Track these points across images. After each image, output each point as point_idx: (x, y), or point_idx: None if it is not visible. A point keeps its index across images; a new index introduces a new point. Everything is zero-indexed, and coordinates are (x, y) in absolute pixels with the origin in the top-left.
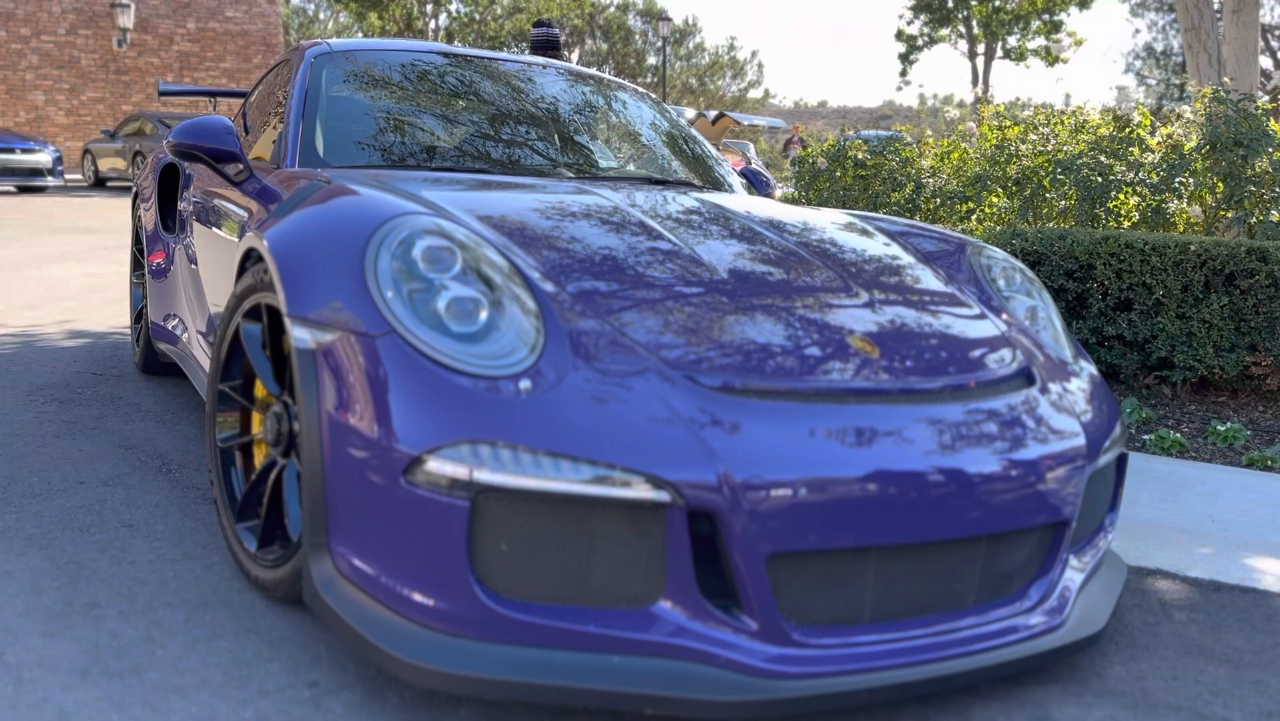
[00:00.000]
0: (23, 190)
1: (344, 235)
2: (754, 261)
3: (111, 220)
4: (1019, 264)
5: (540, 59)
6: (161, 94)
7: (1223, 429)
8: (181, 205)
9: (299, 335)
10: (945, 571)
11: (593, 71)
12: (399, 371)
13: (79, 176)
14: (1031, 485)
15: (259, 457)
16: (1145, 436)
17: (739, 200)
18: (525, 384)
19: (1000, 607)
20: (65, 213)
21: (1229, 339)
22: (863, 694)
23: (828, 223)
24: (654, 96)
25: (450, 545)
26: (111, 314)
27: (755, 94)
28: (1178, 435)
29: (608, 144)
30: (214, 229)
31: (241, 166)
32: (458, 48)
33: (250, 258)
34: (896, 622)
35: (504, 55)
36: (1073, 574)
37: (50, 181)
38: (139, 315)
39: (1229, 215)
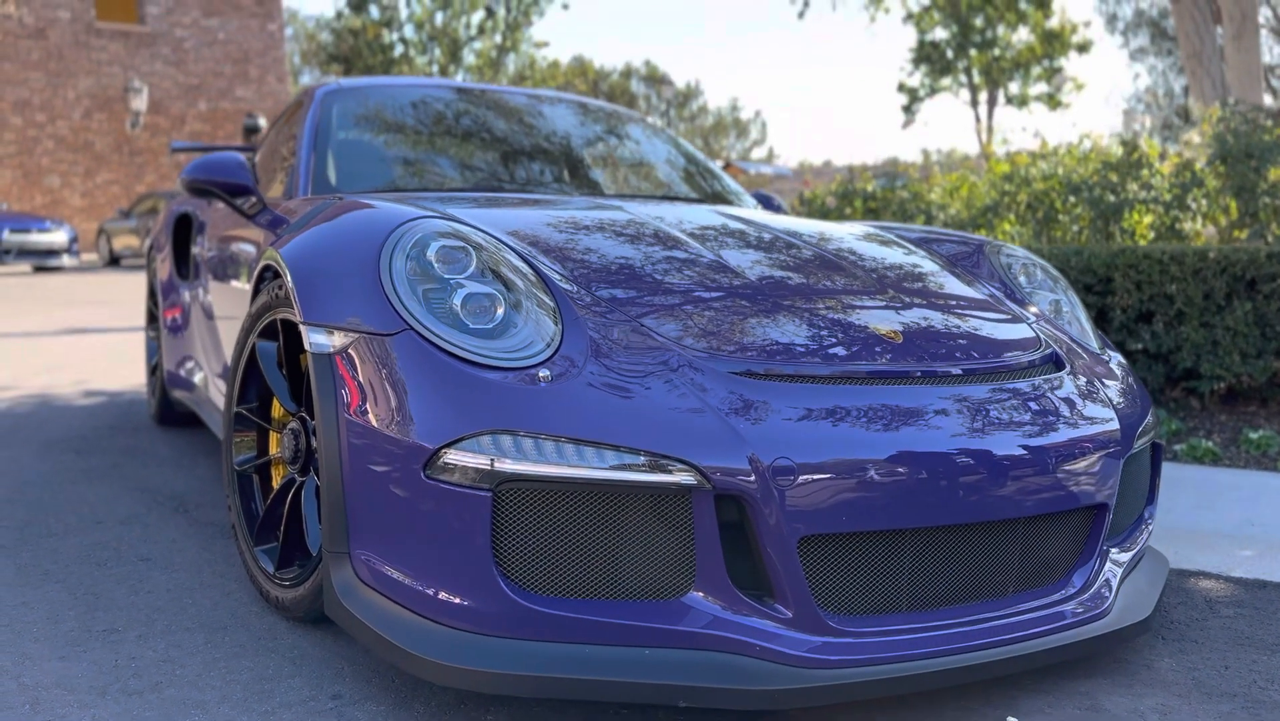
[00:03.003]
0: (39, 270)
1: (358, 241)
2: (774, 267)
3: (126, 294)
4: (1040, 260)
5: (551, 92)
6: (174, 150)
7: (1255, 436)
8: (195, 250)
9: (315, 340)
10: (984, 558)
11: (605, 104)
12: (416, 367)
13: (94, 257)
14: (1066, 468)
15: (277, 479)
16: (1177, 447)
17: (757, 214)
18: (544, 373)
19: (1042, 595)
20: (81, 289)
21: (1255, 345)
22: (903, 681)
23: (846, 232)
24: (667, 130)
25: (473, 539)
26: (126, 375)
27: (759, 153)
28: (1210, 444)
29: (621, 171)
30: (228, 269)
31: (254, 199)
32: (467, 82)
33: (264, 278)
34: (936, 611)
35: (513, 89)
36: (1115, 563)
37: (66, 261)
38: (154, 369)
39: (1244, 235)
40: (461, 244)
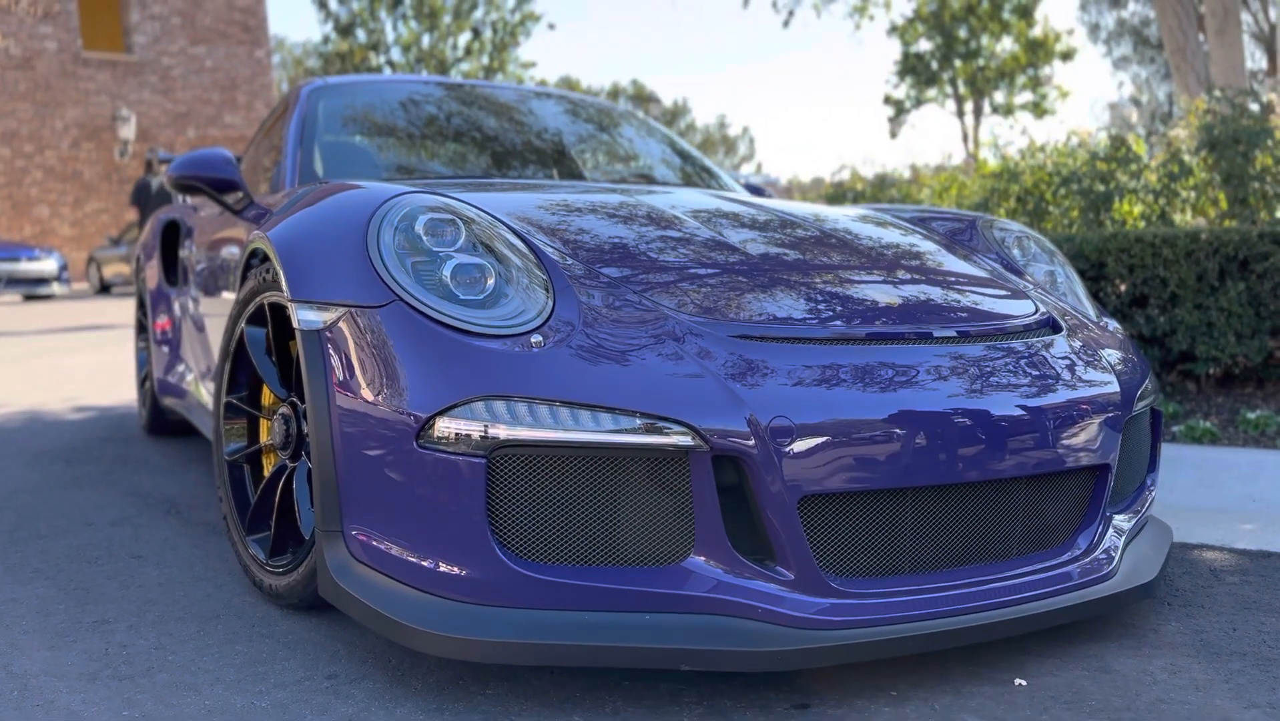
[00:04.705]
0: (29, 298)
1: (345, 217)
2: (770, 245)
3: (116, 319)
4: (1034, 233)
5: (540, 87)
6: (160, 161)
7: (1253, 416)
8: (183, 254)
9: (304, 317)
10: (986, 520)
11: (594, 99)
12: (406, 337)
13: (85, 285)
14: (1066, 428)
15: (268, 467)
16: (1175, 428)
17: (753, 197)
18: (537, 338)
19: (1046, 558)
20: (71, 315)
21: (1250, 325)
22: (907, 642)
23: (842, 214)
24: (661, 127)
25: (468, 508)
26: (116, 392)
27: (748, 169)
28: (1208, 424)
29: (611, 160)
30: (215, 270)
31: (241, 194)
32: (452, 79)
33: (251, 264)
34: (939, 572)
35: (501, 84)
36: (1119, 527)
37: (56, 289)
38: (144, 379)
39: (1234, 224)
40: (450, 217)
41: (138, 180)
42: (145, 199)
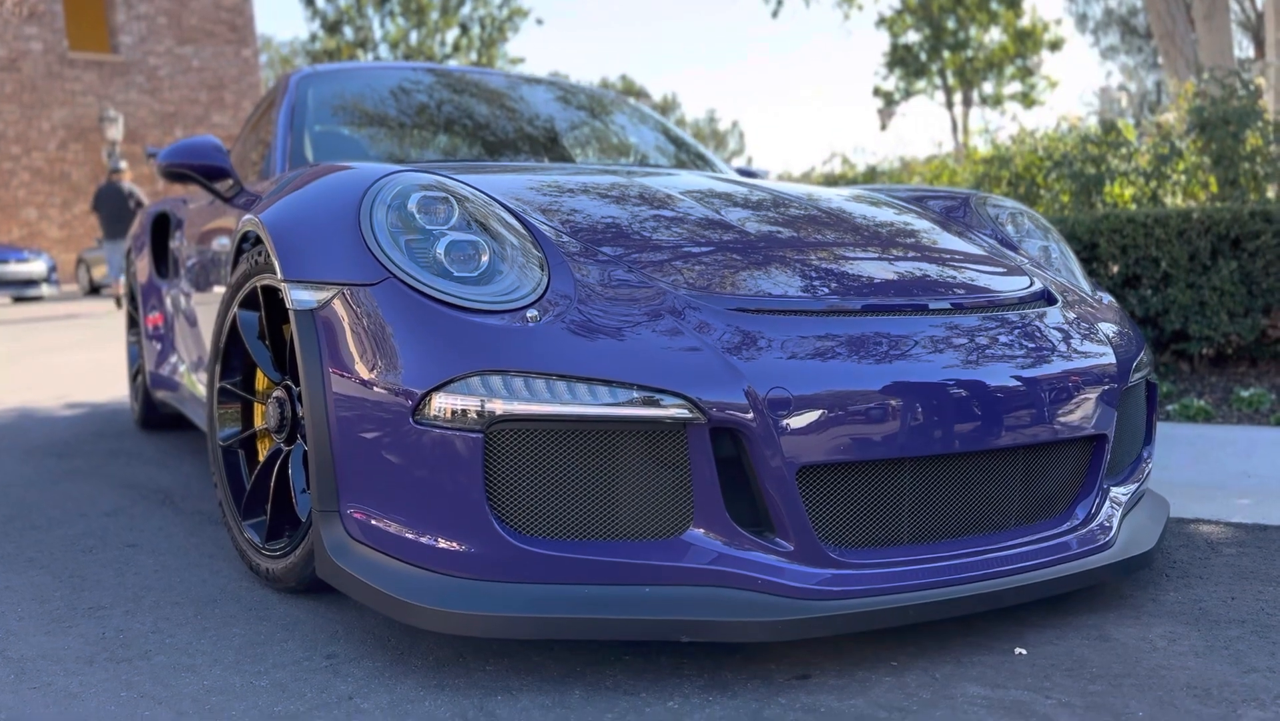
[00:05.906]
0: (18, 300)
1: (337, 197)
2: (764, 223)
3: (105, 319)
4: (1028, 210)
5: (527, 74)
6: (149, 156)
7: (1246, 394)
8: (173, 245)
9: (297, 297)
10: (984, 490)
11: (586, 86)
12: (400, 314)
13: (74, 287)
14: (1062, 398)
15: (262, 452)
16: (1170, 407)
17: (745, 178)
18: (533, 313)
19: (1045, 528)
20: (61, 316)
21: (1242, 303)
22: (906, 612)
23: (835, 193)
24: (655, 114)
25: (466, 484)
26: (107, 389)
27: (739, 163)
28: (1202, 403)
29: (604, 148)
30: (205, 260)
31: (232, 181)
32: (442, 66)
33: (243, 248)
34: (938, 543)
35: (491, 70)
36: (1116, 498)
37: (45, 290)
38: (136, 374)
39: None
40: (444, 195)
41: (99, 189)
42: (98, 205)
